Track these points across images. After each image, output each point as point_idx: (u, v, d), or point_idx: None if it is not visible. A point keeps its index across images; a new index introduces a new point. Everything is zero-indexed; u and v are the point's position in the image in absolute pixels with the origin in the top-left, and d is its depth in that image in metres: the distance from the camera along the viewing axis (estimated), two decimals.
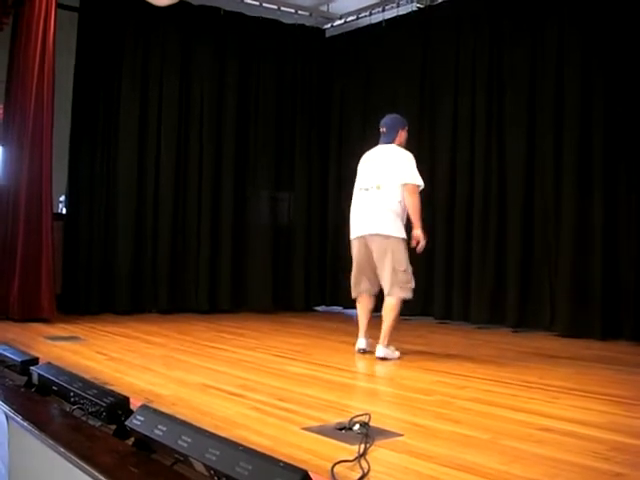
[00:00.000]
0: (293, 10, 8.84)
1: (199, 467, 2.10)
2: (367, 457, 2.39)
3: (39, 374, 3.31)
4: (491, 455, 2.52)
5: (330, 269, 8.87)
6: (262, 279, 8.48)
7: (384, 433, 2.76)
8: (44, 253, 6.55)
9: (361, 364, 4.85)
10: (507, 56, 7.14)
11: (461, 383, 4.03)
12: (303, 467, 1.90)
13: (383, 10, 8.32)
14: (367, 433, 2.67)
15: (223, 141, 8.37)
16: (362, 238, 5.09)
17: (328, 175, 9.03)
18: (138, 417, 2.43)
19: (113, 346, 5.19)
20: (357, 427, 2.78)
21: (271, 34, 8.69)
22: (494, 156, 7.19)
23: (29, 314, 6.42)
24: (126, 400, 2.73)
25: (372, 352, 4.93)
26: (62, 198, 7.89)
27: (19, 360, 3.64)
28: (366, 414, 2.89)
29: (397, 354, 4.92)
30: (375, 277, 5.07)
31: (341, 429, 2.81)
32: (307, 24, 9.03)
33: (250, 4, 8.48)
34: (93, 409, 2.72)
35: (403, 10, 8.16)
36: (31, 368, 3.45)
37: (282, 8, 8.74)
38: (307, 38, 9.00)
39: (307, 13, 8.92)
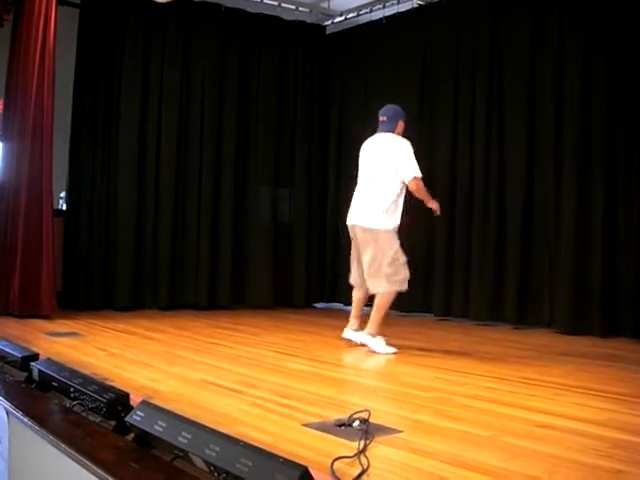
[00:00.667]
0: (294, 7, 8.82)
1: (199, 463, 2.10)
2: (367, 453, 2.39)
3: (39, 370, 3.31)
4: (491, 452, 2.52)
5: (330, 265, 8.88)
6: (262, 275, 8.48)
7: (384, 429, 2.76)
8: (44, 249, 6.55)
9: (361, 361, 4.85)
10: (507, 54, 7.13)
11: (461, 380, 4.03)
12: (303, 463, 1.90)
13: (383, 7, 8.29)
14: (367, 429, 2.67)
15: (223, 137, 8.37)
16: (352, 227, 5.27)
17: (328, 171, 9.03)
18: (138, 413, 2.44)
19: (113, 342, 5.20)
20: (357, 423, 2.78)
21: (272, 30, 8.68)
22: (493, 155, 7.18)
23: (29, 310, 6.42)
24: (126, 396, 2.74)
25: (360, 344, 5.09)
26: (62, 194, 7.88)
27: (19, 356, 3.64)
28: (366, 410, 2.89)
29: (391, 349, 4.93)
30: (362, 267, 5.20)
31: (341, 425, 2.81)
32: (308, 21, 9.02)
33: (251, 0, 8.47)
34: (93, 405, 2.73)
35: (403, 7, 8.14)
36: (31, 364, 3.45)
37: (283, 4, 8.72)
38: (307, 35, 8.99)
39: (308, 10, 8.91)
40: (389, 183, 5.08)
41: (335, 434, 2.70)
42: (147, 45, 7.93)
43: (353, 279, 5.42)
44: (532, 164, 6.87)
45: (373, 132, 5.37)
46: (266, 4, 8.58)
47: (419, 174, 5.10)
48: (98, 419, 2.70)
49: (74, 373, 3.15)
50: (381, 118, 5.30)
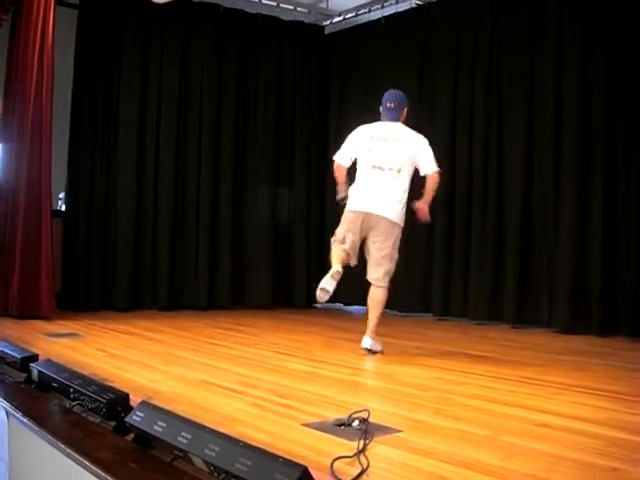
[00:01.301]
0: (292, 7, 8.83)
1: (199, 463, 2.11)
2: (366, 453, 2.40)
3: (39, 371, 3.31)
4: (490, 451, 2.52)
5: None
6: (261, 275, 8.48)
7: (383, 429, 2.77)
8: (43, 250, 6.55)
9: (360, 361, 4.85)
10: (506, 53, 7.14)
11: (460, 379, 4.03)
12: (303, 463, 1.91)
13: (382, 7, 8.30)
14: (366, 429, 2.68)
15: (222, 138, 8.37)
16: (366, 214, 4.96)
17: (327, 171, 9.01)
18: (138, 413, 2.44)
19: (113, 343, 5.20)
20: (356, 423, 2.79)
21: (270, 31, 8.68)
22: (492, 154, 7.18)
23: (29, 311, 6.42)
24: (126, 396, 2.74)
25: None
26: (61, 195, 7.89)
27: (19, 357, 3.65)
28: (365, 410, 2.90)
29: (380, 347, 4.95)
30: (354, 254, 5.05)
31: (340, 425, 2.81)
32: (306, 21, 9.02)
33: (249, 1, 8.47)
34: (93, 405, 2.73)
35: (402, 7, 8.14)
36: (31, 365, 3.45)
37: (281, 5, 8.72)
38: (306, 35, 8.99)
39: (306, 10, 8.92)
40: (408, 178, 5.00)
41: (334, 434, 2.70)
42: (146, 46, 7.93)
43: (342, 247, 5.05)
44: (531, 163, 6.88)
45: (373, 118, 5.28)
46: (264, 4, 8.58)
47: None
48: (98, 420, 2.70)
49: (74, 374, 3.15)
50: (388, 105, 5.16)
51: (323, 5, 8.90)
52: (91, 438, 2.50)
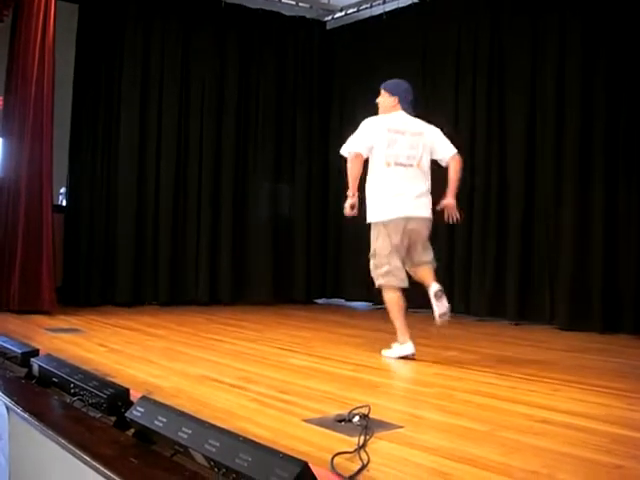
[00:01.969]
0: (294, 2, 8.81)
1: (199, 458, 2.11)
2: (367, 449, 2.40)
3: (39, 366, 3.31)
4: (491, 447, 2.52)
5: (332, 261, 8.88)
6: (262, 271, 8.48)
7: (384, 425, 2.76)
8: (44, 245, 6.56)
9: (361, 357, 4.85)
10: (508, 48, 7.12)
11: (461, 375, 4.03)
12: (303, 458, 1.90)
13: (384, 2, 8.28)
14: (367, 425, 2.68)
15: (223, 133, 8.36)
16: (407, 219, 4.60)
17: (329, 167, 9.02)
18: (138, 408, 2.44)
19: (113, 338, 5.20)
20: (357, 419, 2.79)
21: (272, 26, 8.67)
22: (494, 150, 7.17)
23: (29, 306, 6.42)
24: (126, 392, 2.74)
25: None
26: (62, 190, 7.89)
27: (19, 352, 3.64)
28: (366, 406, 2.90)
29: (398, 352, 4.61)
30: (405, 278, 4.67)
31: (341, 421, 2.81)
32: (308, 16, 9.00)
33: None
34: (93, 401, 2.73)
35: (403, 3, 8.12)
36: (31, 360, 3.45)
37: (282, 0, 8.72)
38: (308, 30, 8.97)
39: (308, 5, 8.90)
40: (428, 170, 4.75)
41: (335, 429, 2.70)
42: (146, 41, 7.92)
43: (402, 280, 4.66)
44: (533, 160, 6.86)
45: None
46: (266, 0, 8.57)
47: None
48: (98, 415, 2.70)
49: (74, 369, 3.15)
50: (410, 96, 4.89)
51: (325, 0, 8.89)
52: (91, 433, 2.50)
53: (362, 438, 2.49)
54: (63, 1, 7.24)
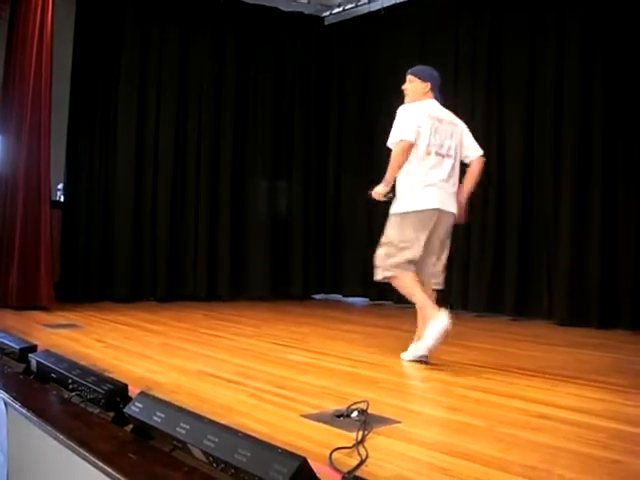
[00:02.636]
0: None
1: (198, 454, 2.11)
2: (365, 444, 2.40)
3: (38, 361, 3.31)
4: (489, 442, 2.52)
5: (329, 257, 8.88)
6: (260, 267, 8.49)
7: (382, 420, 2.77)
8: (42, 241, 6.55)
9: (359, 352, 4.85)
10: (507, 43, 7.12)
11: (459, 371, 4.03)
12: (301, 454, 1.90)
13: None
14: (365, 420, 2.68)
15: (222, 129, 8.36)
16: (439, 212, 4.29)
17: (327, 163, 9.02)
18: (137, 404, 2.44)
19: (112, 334, 5.20)
20: (355, 414, 2.79)
21: (270, 22, 8.66)
22: (493, 146, 7.14)
23: (28, 302, 6.42)
24: (125, 387, 2.74)
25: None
26: (60, 186, 7.87)
27: (17, 347, 3.64)
28: (364, 401, 2.90)
29: (414, 354, 4.24)
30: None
31: (339, 416, 2.81)
32: (306, 12, 9.00)
33: None
34: (92, 396, 2.73)
35: None
36: (30, 355, 3.45)
37: None
38: (306, 26, 8.97)
39: (306, 1, 8.88)
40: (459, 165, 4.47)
41: (333, 425, 2.70)
42: (145, 36, 7.91)
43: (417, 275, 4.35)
44: (532, 159, 6.88)
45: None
46: None
47: None
48: (97, 410, 2.70)
49: (72, 364, 3.15)
50: (437, 84, 4.57)
51: None
52: (90, 429, 2.50)
53: (360, 433, 2.49)
54: None
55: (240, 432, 2.08)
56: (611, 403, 3.26)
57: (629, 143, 6.13)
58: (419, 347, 4.17)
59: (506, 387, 3.58)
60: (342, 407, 2.91)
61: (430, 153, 4.27)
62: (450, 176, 4.35)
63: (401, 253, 4.26)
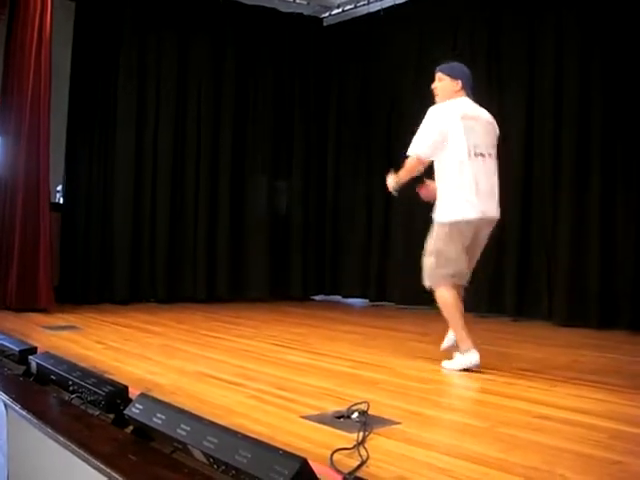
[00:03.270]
0: None
1: (198, 455, 2.10)
2: (365, 445, 2.40)
3: (37, 363, 3.31)
4: (489, 443, 2.52)
5: (329, 258, 8.88)
6: (260, 268, 8.48)
7: (382, 421, 2.77)
8: (42, 243, 6.54)
9: (359, 353, 4.85)
10: (505, 44, 7.12)
11: (459, 371, 4.02)
12: (302, 455, 1.90)
13: None
14: (365, 421, 2.68)
15: (221, 130, 8.35)
16: (480, 221, 4.11)
17: (326, 163, 9.02)
18: (137, 406, 2.43)
19: (112, 335, 5.19)
20: (355, 415, 2.79)
21: (269, 23, 8.66)
22: None
23: (27, 304, 6.41)
24: (125, 389, 2.73)
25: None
26: (59, 188, 7.87)
27: (17, 349, 3.63)
28: (364, 402, 2.90)
29: (461, 363, 4.07)
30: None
31: (340, 417, 2.81)
32: (305, 13, 8.99)
33: None
34: (92, 398, 2.72)
35: None
36: (29, 357, 3.44)
37: None
38: (305, 27, 8.97)
39: (305, 2, 8.88)
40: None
41: (334, 426, 2.70)
42: (144, 37, 7.90)
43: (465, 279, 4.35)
44: (531, 159, 6.87)
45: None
46: None
47: None
48: (97, 412, 2.70)
49: (72, 366, 3.15)
50: (470, 82, 4.38)
51: None
52: (90, 431, 2.49)
53: (361, 434, 2.49)
54: None
55: (240, 433, 2.08)
56: (611, 404, 3.26)
57: (628, 143, 6.13)
58: (465, 359, 4.03)
59: (507, 388, 3.58)
60: (342, 408, 2.91)
61: (470, 155, 4.05)
62: (493, 178, 4.15)
63: (446, 266, 4.13)
